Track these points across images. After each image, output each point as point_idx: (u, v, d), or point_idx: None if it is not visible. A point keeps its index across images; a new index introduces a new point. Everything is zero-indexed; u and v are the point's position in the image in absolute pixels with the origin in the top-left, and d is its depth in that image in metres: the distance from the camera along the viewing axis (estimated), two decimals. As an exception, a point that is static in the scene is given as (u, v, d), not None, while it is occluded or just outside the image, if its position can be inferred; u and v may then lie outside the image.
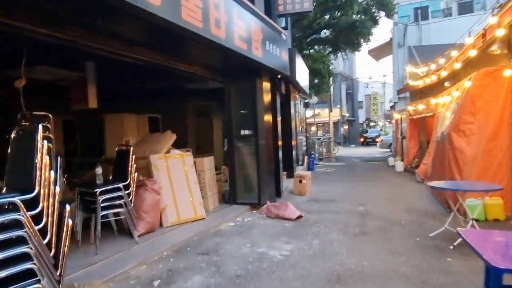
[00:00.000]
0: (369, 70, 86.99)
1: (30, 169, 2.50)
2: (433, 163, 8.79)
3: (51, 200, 2.45)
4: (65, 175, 6.34)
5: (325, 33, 20.00)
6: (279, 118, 8.44)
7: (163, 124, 10.82)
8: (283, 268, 4.10)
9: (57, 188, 2.49)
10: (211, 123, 11.80)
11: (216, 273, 3.97)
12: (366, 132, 39.69)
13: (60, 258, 2.43)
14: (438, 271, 3.92)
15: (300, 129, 15.64)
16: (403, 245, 4.82)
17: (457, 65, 7.23)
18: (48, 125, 4.47)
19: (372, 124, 47.11)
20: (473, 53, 6.49)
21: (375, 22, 17.15)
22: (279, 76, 7.77)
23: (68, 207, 2.53)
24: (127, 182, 4.59)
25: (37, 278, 2.28)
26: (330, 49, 19.48)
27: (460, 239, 4.63)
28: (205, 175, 6.46)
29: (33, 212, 2.34)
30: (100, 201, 4.27)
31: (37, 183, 2.45)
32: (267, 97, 7.33)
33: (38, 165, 2.48)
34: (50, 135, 4.43)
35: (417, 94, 12.91)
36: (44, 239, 2.33)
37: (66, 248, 2.48)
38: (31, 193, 2.39)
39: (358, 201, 7.76)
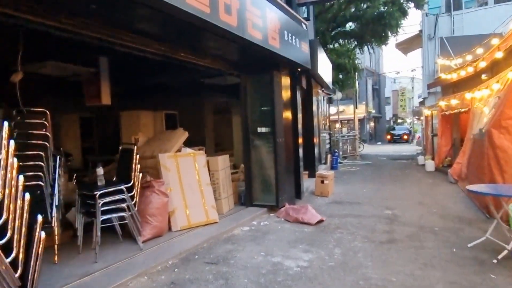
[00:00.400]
0: (397, 64, 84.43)
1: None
2: (469, 163, 8.06)
3: (18, 210, 2.08)
4: (75, 175, 6.10)
5: (350, 26, 19.24)
6: (299, 115, 7.94)
7: (180, 121, 10.51)
8: (299, 282, 3.64)
9: (27, 196, 2.11)
10: (230, 120, 11.42)
11: (223, 287, 3.55)
12: (393, 129, 38.34)
13: (29, 280, 2.05)
14: (481, 292, 3.36)
15: (323, 126, 15.03)
16: (438, 257, 4.25)
17: (499, 54, 6.50)
18: (45, 122, 4.21)
19: (399, 120, 45.54)
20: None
21: (404, 13, 16.26)
22: (299, 70, 7.26)
23: (40, 218, 2.15)
24: (130, 184, 4.23)
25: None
26: (356, 42, 18.68)
27: (505, 252, 4.04)
28: (219, 175, 6.06)
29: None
30: (100, 204, 3.93)
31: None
32: (286, 92, 6.85)
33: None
34: (48, 133, 4.17)
35: (450, 88, 12.06)
36: (7, 257, 1.96)
37: (37, 267, 2.11)
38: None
39: (385, 204, 7.17)
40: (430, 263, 4.06)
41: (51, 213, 3.86)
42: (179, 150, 5.66)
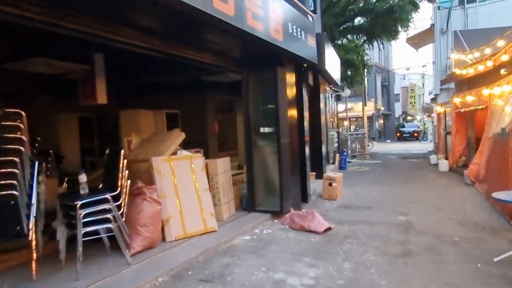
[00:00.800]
0: (407, 61, 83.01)
1: None
2: (488, 164, 7.54)
3: None
4: (66, 179, 5.71)
5: (359, 21, 18.65)
6: (306, 113, 7.48)
7: (182, 121, 10.14)
8: (303, 306, 3.20)
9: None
10: (235, 119, 11.02)
11: (217, 311, 3.13)
12: (403, 126, 37.62)
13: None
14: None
15: (331, 124, 14.53)
16: (460, 274, 3.77)
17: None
18: (20, 124, 3.80)
19: (409, 118, 44.74)
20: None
21: (415, 6, 15.62)
22: (305, 66, 6.79)
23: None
24: (117, 192, 3.81)
25: None
26: (365, 38, 18.09)
27: (540, 271, 3.54)
28: (219, 179, 5.63)
29: None
30: (81, 216, 3.52)
31: None
32: (291, 89, 6.39)
33: None
34: (23, 137, 3.76)
35: (464, 84, 11.47)
36: None
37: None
38: None
39: (397, 209, 6.68)
40: (453, 282, 3.59)
41: (27, 224, 3.47)
42: (174, 153, 5.23)
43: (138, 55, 4.96)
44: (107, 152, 4.27)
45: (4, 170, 3.34)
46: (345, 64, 17.57)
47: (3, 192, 3.30)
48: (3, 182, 3.31)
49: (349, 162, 14.29)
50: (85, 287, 3.39)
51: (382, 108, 36.65)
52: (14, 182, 3.36)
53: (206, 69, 6.25)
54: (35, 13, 3.22)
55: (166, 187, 4.79)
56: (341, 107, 23.14)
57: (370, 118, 31.65)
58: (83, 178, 3.79)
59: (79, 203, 3.51)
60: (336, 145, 14.94)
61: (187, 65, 5.71)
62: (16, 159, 3.42)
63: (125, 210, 3.90)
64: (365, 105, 22.25)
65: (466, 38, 12.72)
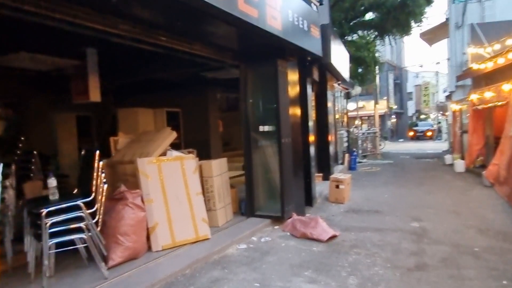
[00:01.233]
0: (420, 58, 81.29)
1: None
2: (509, 165, 6.95)
3: None
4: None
5: (370, 17, 17.99)
6: (311, 110, 6.99)
7: (184, 120, 9.77)
8: (298, 333, 2.72)
9: None
10: (239, 118, 10.60)
11: None
12: (416, 125, 36.67)
13: None
14: None
15: (340, 123, 13.98)
16: (484, 294, 3.26)
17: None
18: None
19: (422, 116, 43.67)
20: None
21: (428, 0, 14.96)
22: (309, 59, 6.29)
23: None
24: (91, 198, 3.40)
25: None
26: (376, 33, 17.44)
27: None
28: (214, 182, 5.18)
29: None
30: (48, 225, 3.11)
31: None
32: (293, 84, 5.91)
33: None
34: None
35: (482, 80, 10.80)
36: None
37: None
38: None
39: (410, 214, 6.14)
40: (475, 304, 3.07)
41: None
42: (164, 154, 4.80)
43: (132, 49, 4.60)
44: (82, 153, 3.86)
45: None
46: (356, 61, 16.97)
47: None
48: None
49: (359, 162, 13.72)
50: (49, 307, 2.98)
51: (395, 107, 35.76)
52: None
53: (204, 64, 5.84)
54: (21, 2, 2.87)
55: (153, 191, 4.36)
56: (352, 105, 22.55)
57: (382, 117, 30.86)
58: (52, 182, 3.39)
59: (44, 211, 3.10)
60: (346, 144, 14.37)
61: (183, 60, 5.32)
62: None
63: (101, 218, 3.48)
64: (377, 103, 21.50)
65: (484, 31, 12.02)
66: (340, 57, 8.20)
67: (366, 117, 32.09)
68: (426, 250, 4.39)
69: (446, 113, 27.93)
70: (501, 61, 7.88)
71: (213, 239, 4.65)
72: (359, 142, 16.41)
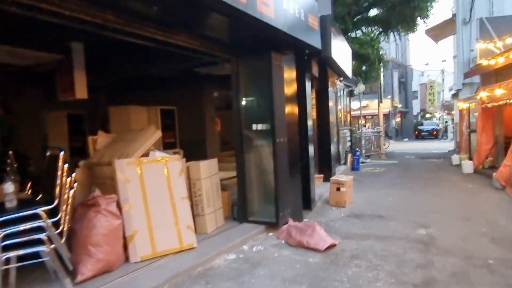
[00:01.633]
0: (425, 56, 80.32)
1: None
2: (523, 166, 6.47)
3: None
4: (30, 183, 4.92)
5: (375, 13, 17.49)
6: (310, 108, 6.55)
7: (180, 118, 9.35)
8: None
9: None
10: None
11: None
12: (421, 124, 36.08)
13: None
14: None
15: (343, 122, 13.52)
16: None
17: None
18: None
19: (428, 115, 43.03)
20: None
21: (435, -6, 14.48)
22: (307, 52, 5.85)
23: None
24: (53, 205, 2.99)
25: None
26: (380, 29, 16.94)
27: None
28: (202, 185, 4.76)
29: None
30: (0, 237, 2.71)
31: None
32: (289, 80, 5.48)
33: None
34: None
35: (492, 77, 10.32)
36: None
37: None
38: None
39: (416, 219, 5.70)
40: (494, 331, 2.64)
41: None
42: (146, 154, 4.39)
43: (121, 44, 4.30)
44: (47, 154, 3.45)
45: None
46: (360, 58, 16.52)
47: None
48: None
49: (362, 162, 13.26)
50: (-2, 333, 2.58)
51: (399, 106, 35.21)
52: None
53: (195, 58, 5.44)
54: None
55: (132, 196, 3.95)
56: (356, 104, 22.06)
57: (386, 116, 30.34)
58: (8, 188, 2.98)
59: (-4, 220, 2.70)
60: (348, 144, 13.91)
61: (173, 54, 4.95)
62: None
63: (66, 228, 3.07)
64: (381, 102, 20.99)
65: (493, 26, 11.51)
66: (341, 52, 7.74)
67: (370, 116, 31.59)
68: (434, 262, 3.95)
69: (452, 112, 27.36)
70: (513, 55, 7.41)
71: (199, 248, 4.24)
72: (363, 141, 15.93)
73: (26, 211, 2.84)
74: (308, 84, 6.38)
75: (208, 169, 4.92)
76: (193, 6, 3.61)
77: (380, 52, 17.81)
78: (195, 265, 3.86)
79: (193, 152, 9.21)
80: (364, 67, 17.95)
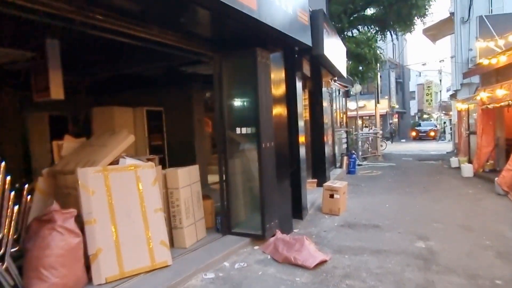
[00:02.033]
0: (423, 56, 79.83)
1: None
2: (528, 172, 6.07)
3: None
4: None
5: (372, 13, 17.09)
6: (302, 109, 6.14)
7: (167, 119, 8.92)
8: None
9: None
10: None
11: None
12: (419, 125, 35.72)
13: None
14: None
15: (339, 123, 13.12)
16: None
17: None
18: None
19: (425, 116, 42.70)
20: None
21: (433, -9, 14.11)
22: (297, 49, 5.42)
23: None
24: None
25: None
26: (377, 28, 16.55)
27: None
28: (180, 195, 4.33)
29: None
30: None
31: None
32: (277, 79, 5.06)
33: None
34: None
35: (493, 77, 9.94)
36: None
37: None
38: None
39: (414, 229, 5.28)
40: None
41: None
42: (115, 162, 3.95)
43: (99, 42, 4.14)
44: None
45: None
46: (356, 58, 16.14)
47: None
48: None
49: (359, 165, 12.85)
50: None
51: (397, 106, 34.86)
52: None
53: (178, 56, 5.02)
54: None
55: (97, 209, 3.51)
56: (352, 105, 21.68)
57: (383, 117, 29.97)
58: None
59: None
60: (345, 146, 13.51)
61: (154, 52, 4.55)
62: None
63: (8, 251, 2.63)
64: (378, 102, 20.63)
65: (493, 24, 11.13)
66: (335, 50, 7.33)
67: (368, 117, 31.22)
68: (435, 283, 3.53)
69: (450, 113, 27.01)
70: (517, 53, 7.01)
71: (174, 266, 3.81)
72: (359, 143, 15.53)
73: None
74: (299, 84, 5.96)
75: (187, 177, 4.49)
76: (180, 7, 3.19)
77: (377, 52, 17.44)
78: (168, 286, 3.43)
79: (182, 155, 8.81)
80: (360, 67, 17.56)
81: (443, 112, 35.42)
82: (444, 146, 21.88)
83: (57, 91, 5.61)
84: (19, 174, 7.00)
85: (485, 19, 11.42)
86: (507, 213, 6.03)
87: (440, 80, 33.56)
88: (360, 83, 18.65)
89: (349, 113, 18.88)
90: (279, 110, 5.13)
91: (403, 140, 32.51)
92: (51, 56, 5.42)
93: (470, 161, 11.13)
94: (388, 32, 17.49)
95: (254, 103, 4.62)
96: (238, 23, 3.93)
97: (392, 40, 17.63)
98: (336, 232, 5.34)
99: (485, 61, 9.19)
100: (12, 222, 2.66)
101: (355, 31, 17.46)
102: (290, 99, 5.58)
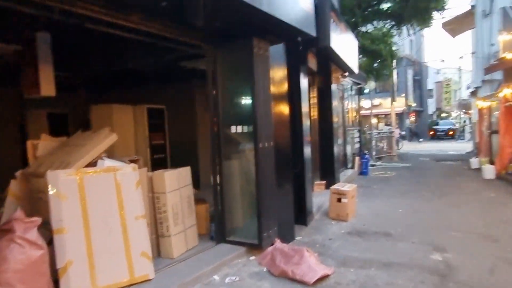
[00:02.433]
0: (441, 53, 77.82)
1: None
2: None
3: None
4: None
5: (388, 7, 16.42)
6: (307, 106, 5.68)
7: (170, 117, 8.57)
8: None
9: None
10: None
11: None
12: (437, 124, 34.66)
13: None
14: None
15: (351, 121, 12.57)
16: None
17: None
18: None
19: (443, 115, 41.44)
20: None
21: (452, -17, 13.42)
22: (299, 40, 4.95)
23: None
24: None
25: None
26: (393, 23, 15.88)
27: None
28: (167, 200, 3.94)
29: None
30: None
31: None
32: (278, 72, 4.62)
33: None
34: None
35: (517, 72, 9.26)
36: None
37: None
38: None
39: (430, 239, 4.77)
40: None
41: None
42: (92, 163, 3.58)
43: (91, 35, 4.01)
44: None
45: None
46: (371, 54, 15.54)
47: None
48: None
49: (372, 165, 12.27)
50: None
51: (414, 104, 33.86)
52: None
53: (172, 50, 4.67)
54: None
55: (68, 217, 3.14)
56: (367, 103, 21.02)
57: (399, 115, 29.10)
58: None
59: None
60: (358, 146, 12.94)
61: (149, 45, 4.22)
62: None
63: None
64: (394, 100, 19.91)
65: (518, 16, 10.42)
66: (345, 44, 6.82)
67: (383, 116, 30.41)
68: (453, 306, 3.04)
69: (470, 111, 25.99)
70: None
71: (156, 280, 3.41)
72: (373, 142, 14.91)
73: None
74: (303, 79, 5.51)
75: (175, 180, 4.09)
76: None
77: (393, 48, 16.77)
78: (145, 305, 3.05)
79: (184, 155, 8.45)
80: (375, 64, 16.93)
81: (463, 110, 34.25)
82: (463, 146, 20.99)
83: (47, 88, 5.31)
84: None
85: (509, 11, 10.68)
86: (535, 221, 5.45)
87: (460, 78, 32.45)
88: (375, 80, 18.02)
89: (363, 112, 18.28)
90: (280, 107, 4.68)
91: (421, 140, 31.53)
92: (41, 50, 5.13)
93: (491, 162, 10.43)
94: (405, 27, 16.82)
95: (250, 98, 4.19)
96: (231, 10, 3.51)
97: (409, 35, 16.88)
98: (342, 241, 4.87)
99: (508, 55, 8.54)
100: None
101: (369, 26, 16.81)
102: (293, 95, 5.14)
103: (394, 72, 19.92)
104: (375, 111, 21.53)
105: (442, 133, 31.81)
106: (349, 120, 12.10)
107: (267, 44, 4.35)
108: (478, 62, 15.03)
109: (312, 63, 6.25)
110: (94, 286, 3.12)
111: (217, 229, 4.43)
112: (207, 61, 4.38)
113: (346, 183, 7.01)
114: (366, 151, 12.22)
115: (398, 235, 5.00)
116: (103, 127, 6.49)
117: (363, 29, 16.27)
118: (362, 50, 14.36)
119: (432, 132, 32.84)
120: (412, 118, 35.50)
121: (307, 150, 5.64)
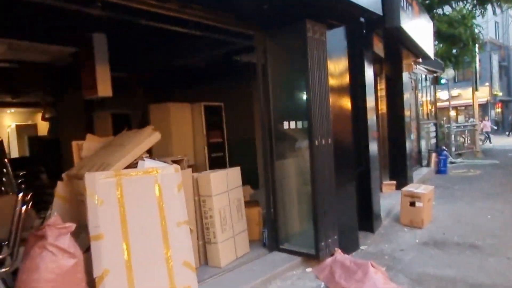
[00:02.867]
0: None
1: None
2: None
3: None
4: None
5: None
6: (371, 98, 5.02)
7: (227, 115, 8.37)
8: None
9: None
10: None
11: None
12: (529, 115, 30.78)
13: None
14: None
15: (426, 115, 11.38)
16: None
17: None
18: None
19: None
20: None
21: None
22: (362, 20, 4.32)
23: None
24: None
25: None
26: (474, 2, 14.19)
27: None
28: (213, 204, 3.61)
29: None
30: None
31: None
32: (338, 60, 4.06)
33: None
34: None
35: None
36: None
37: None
38: None
39: (531, 255, 3.88)
40: None
41: None
42: (133, 164, 3.36)
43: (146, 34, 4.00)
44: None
45: None
46: (449, 39, 14.07)
47: None
48: None
49: (451, 163, 10.97)
50: None
51: (500, 94, 30.39)
52: None
53: (220, 41, 4.36)
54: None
55: (105, 222, 2.94)
56: (444, 94, 19.18)
57: (483, 106, 26.28)
58: None
59: None
60: (434, 141, 11.69)
61: (202, 38, 4.01)
62: None
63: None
64: (477, 90, 17.87)
65: None
66: (418, 25, 5.97)
67: (464, 107, 27.72)
68: None
69: None
70: None
71: (200, 292, 3.10)
72: (453, 137, 13.43)
73: None
74: (368, 67, 4.86)
75: (223, 182, 3.75)
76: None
77: (475, 31, 15.01)
78: (183, 323, 2.73)
79: (242, 153, 8.21)
80: (454, 50, 15.32)
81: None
82: None
83: (104, 88, 5.37)
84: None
85: None
86: None
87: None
88: (454, 68, 16.32)
89: (439, 104, 16.66)
90: (341, 100, 4.12)
91: (507, 133, 28.17)
92: (97, 51, 5.17)
93: None
94: (489, 7, 14.94)
95: (304, 90, 3.71)
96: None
97: (495, 15, 14.97)
98: (416, 252, 4.17)
99: None
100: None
101: (447, 8, 15.20)
102: (356, 85, 4.53)
103: (476, 58, 17.88)
104: (453, 102, 19.56)
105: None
106: (424, 113, 10.95)
107: (323, 28, 3.81)
108: None
109: (378, 48, 5.53)
110: (131, 297, 2.89)
111: (269, 235, 4.02)
112: (256, 51, 3.97)
113: (420, 183, 6.19)
114: (444, 147, 10.95)
115: (488, 248, 4.17)
116: (163, 126, 6.45)
117: (439, 11, 14.78)
118: (438, 35, 13.01)
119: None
120: (498, 110, 31.93)
121: (373, 147, 4.99)
